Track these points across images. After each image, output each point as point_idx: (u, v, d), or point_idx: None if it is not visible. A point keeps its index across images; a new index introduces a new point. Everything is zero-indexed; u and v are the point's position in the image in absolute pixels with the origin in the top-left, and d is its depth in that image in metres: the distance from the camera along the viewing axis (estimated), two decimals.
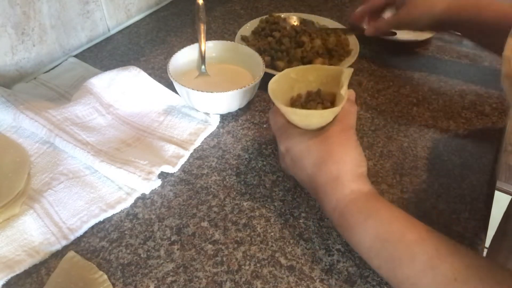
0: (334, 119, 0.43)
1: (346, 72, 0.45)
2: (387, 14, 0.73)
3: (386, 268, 0.36)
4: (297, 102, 0.46)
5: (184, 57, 0.63)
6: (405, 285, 0.34)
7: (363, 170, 0.42)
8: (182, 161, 0.53)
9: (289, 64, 0.67)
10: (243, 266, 0.42)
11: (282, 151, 0.45)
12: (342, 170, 0.40)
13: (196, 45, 0.65)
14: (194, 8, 0.67)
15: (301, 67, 0.48)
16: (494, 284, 0.31)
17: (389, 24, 0.67)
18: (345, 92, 0.42)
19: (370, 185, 0.41)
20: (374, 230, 0.37)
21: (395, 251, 0.35)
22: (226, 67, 0.66)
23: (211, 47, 0.66)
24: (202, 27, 0.66)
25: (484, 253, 0.46)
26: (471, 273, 0.32)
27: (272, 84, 0.45)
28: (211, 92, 0.54)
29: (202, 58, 0.65)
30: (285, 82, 0.46)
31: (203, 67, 0.64)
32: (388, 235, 0.36)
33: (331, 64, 0.67)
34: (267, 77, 0.48)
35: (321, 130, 0.43)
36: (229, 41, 0.67)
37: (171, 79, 0.57)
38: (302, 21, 0.79)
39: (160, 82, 0.62)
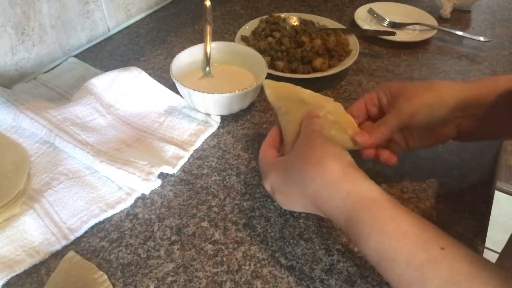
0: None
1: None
2: None
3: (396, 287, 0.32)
4: None
5: (187, 58, 0.63)
6: None
7: (347, 159, 0.38)
8: (181, 162, 0.53)
9: (289, 64, 0.67)
10: (243, 266, 0.42)
11: (270, 192, 0.41)
12: (326, 171, 0.37)
13: (199, 46, 0.65)
14: (202, 9, 0.67)
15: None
16: None
17: (388, 128, 0.45)
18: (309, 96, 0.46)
19: (366, 180, 0.36)
20: (378, 246, 0.33)
21: (405, 274, 0.31)
22: (230, 68, 0.66)
23: (215, 48, 0.66)
24: (209, 29, 0.66)
25: (484, 253, 0.46)
26: None
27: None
28: (213, 93, 0.54)
29: (207, 59, 0.65)
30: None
31: (207, 68, 0.64)
32: (395, 254, 0.32)
33: (330, 64, 0.67)
34: (268, 78, 0.48)
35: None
36: (232, 42, 0.67)
37: (174, 79, 0.57)
38: (302, 21, 0.79)
39: (160, 82, 0.62)
